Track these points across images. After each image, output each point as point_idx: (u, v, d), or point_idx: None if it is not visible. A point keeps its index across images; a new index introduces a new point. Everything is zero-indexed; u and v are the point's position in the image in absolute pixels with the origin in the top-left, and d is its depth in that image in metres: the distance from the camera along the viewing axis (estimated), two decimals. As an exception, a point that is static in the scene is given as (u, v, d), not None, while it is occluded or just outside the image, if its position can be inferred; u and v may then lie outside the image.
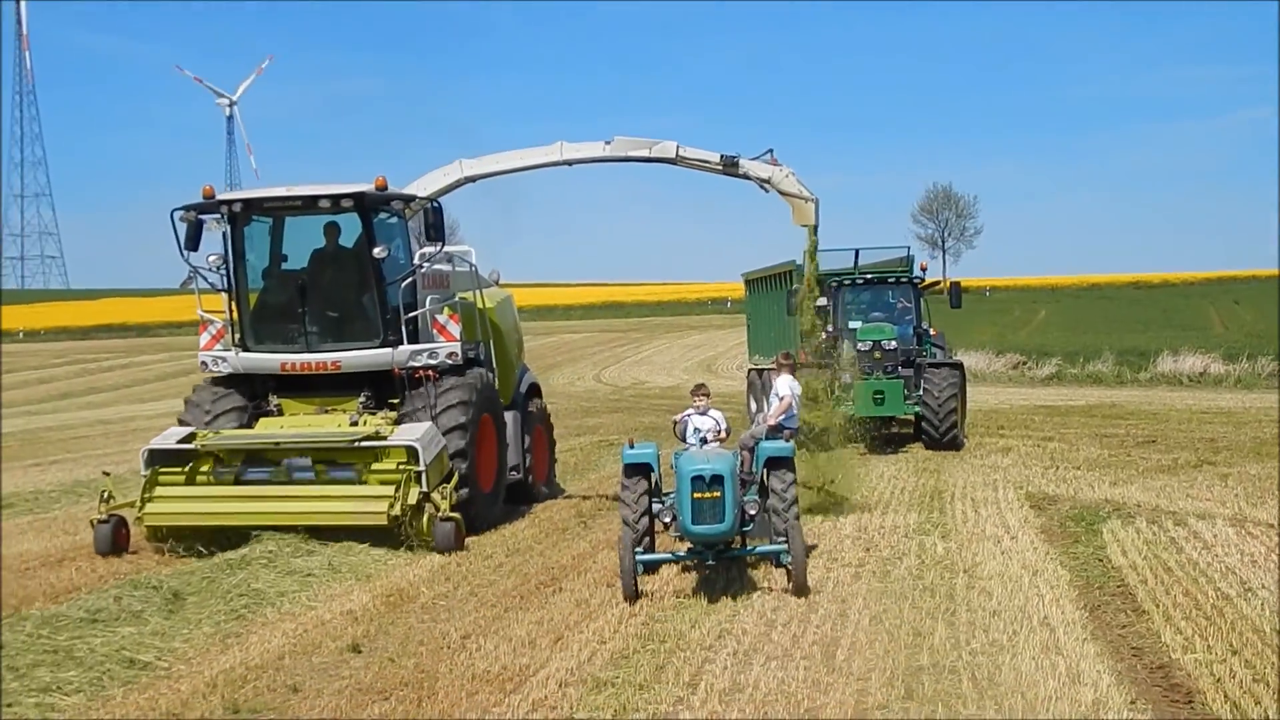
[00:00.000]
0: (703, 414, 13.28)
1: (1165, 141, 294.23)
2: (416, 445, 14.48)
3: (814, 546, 13.80)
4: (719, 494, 11.64)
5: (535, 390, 19.88)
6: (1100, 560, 13.10)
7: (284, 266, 16.53)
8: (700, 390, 13.62)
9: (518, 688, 9.06)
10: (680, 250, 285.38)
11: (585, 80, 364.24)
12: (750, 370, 28.61)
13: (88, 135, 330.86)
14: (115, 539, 14.57)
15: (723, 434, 13.18)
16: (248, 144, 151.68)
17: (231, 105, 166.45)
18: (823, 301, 24.47)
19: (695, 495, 11.66)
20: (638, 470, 12.75)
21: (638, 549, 12.02)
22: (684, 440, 13.21)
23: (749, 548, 12.48)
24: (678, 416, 13.58)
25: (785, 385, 14.72)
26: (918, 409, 23.82)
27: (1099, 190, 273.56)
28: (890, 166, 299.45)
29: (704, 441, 13.03)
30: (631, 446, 12.89)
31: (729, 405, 32.43)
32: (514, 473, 17.88)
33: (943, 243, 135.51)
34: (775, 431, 14.19)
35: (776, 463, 12.90)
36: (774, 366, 15.62)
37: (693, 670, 9.39)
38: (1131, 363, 45.17)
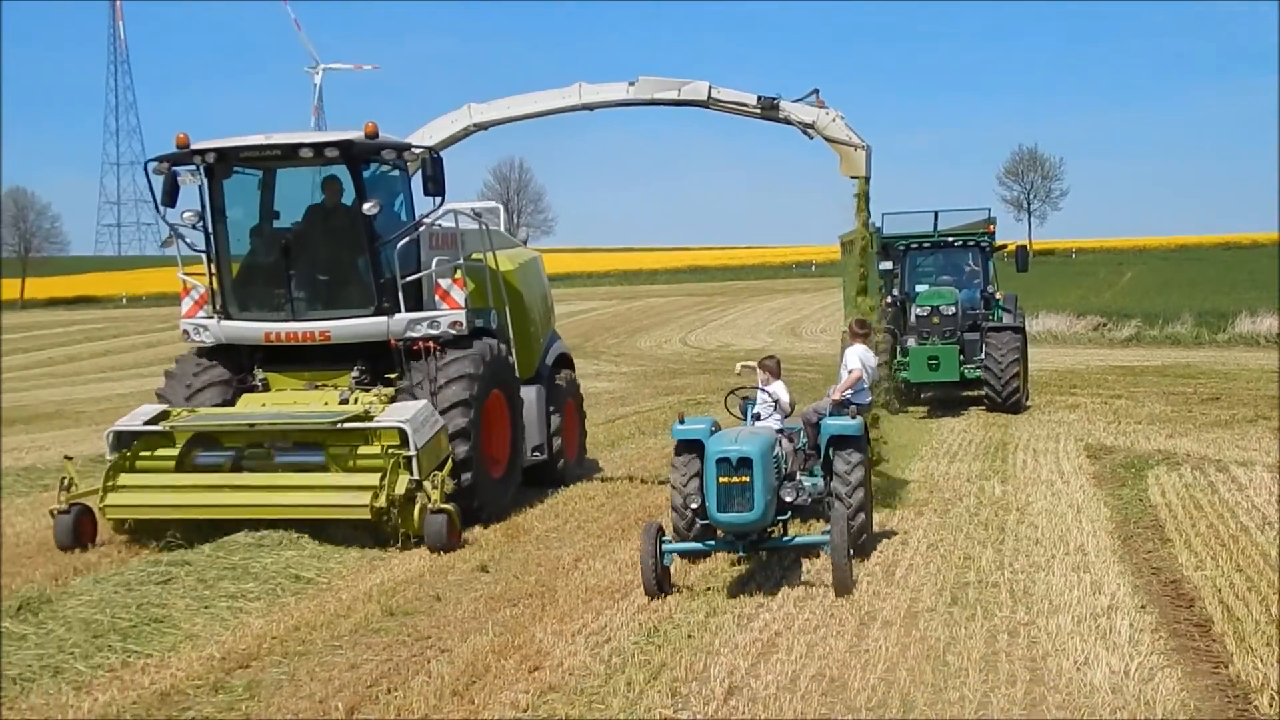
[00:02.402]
0: (763, 388, 12.42)
1: (1260, 95, 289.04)
2: (406, 427, 13.02)
3: (888, 535, 12.94)
4: (747, 478, 10.59)
5: (565, 361, 18.29)
6: (1141, 500, 14.56)
7: (276, 225, 15.02)
8: (764, 364, 12.71)
9: (624, 596, 10.79)
10: (765, 214, 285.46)
11: (660, 36, 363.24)
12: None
13: (181, 103, 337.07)
14: (78, 531, 13.29)
15: (783, 410, 12.34)
16: (357, 64, 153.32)
17: (319, 73, 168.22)
18: (887, 265, 25.43)
19: (720, 479, 10.65)
20: (689, 448, 11.67)
21: (665, 538, 10.90)
22: (744, 417, 12.25)
23: (787, 538, 11.58)
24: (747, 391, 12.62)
25: (855, 357, 13.39)
26: (979, 373, 24.28)
27: (1191, 148, 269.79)
28: (979, 125, 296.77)
29: (757, 418, 12.18)
30: (682, 421, 11.86)
31: (812, 367, 34.03)
32: (536, 453, 16.40)
33: (1028, 205, 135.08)
34: (842, 407, 12.79)
35: (841, 441, 12.04)
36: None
37: (774, 581, 11.11)
38: (1210, 323, 45.94)
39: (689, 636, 9.50)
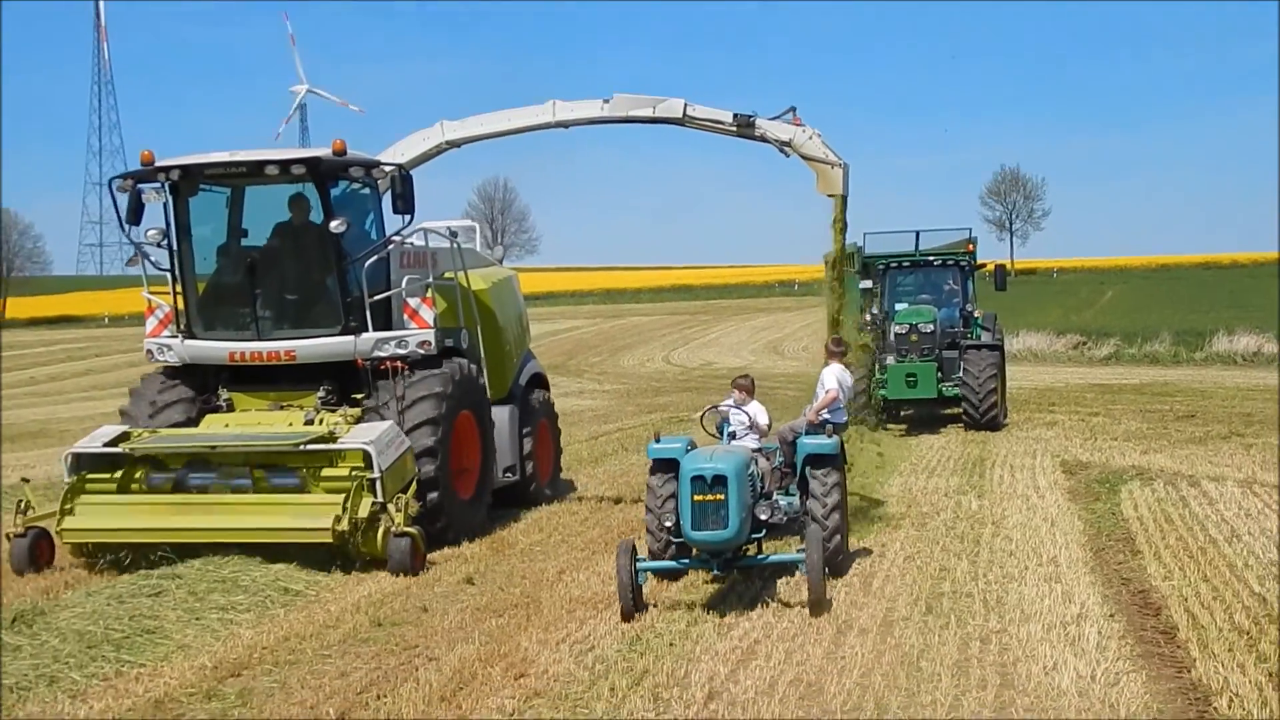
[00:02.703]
0: (739, 409, 12.50)
1: (1239, 118, 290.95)
2: (370, 448, 12.84)
3: (866, 548, 13.25)
4: (721, 496, 10.62)
5: (540, 381, 18.16)
6: (1114, 514, 14.88)
7: (244, 243, 14.92)
8: (737, 383, 12.78)
9: (608, 607, 11.00)
10: (747, 233, 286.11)
11: (659, 58, 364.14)
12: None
13: (165, 123, 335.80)
14: (34, 555, 13.13)
15: (759, 431, 12.48)
16: (342, 100, 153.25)
17: (308, 92, 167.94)
18: (867, 284, 25.72)
19: (695, 497, 10.66)
20: (665, 466, 11.64)
21: (639, 557, 10.88)
22: (721, 436, 12.37)
23: (762, 556, 11.53)
24: (722, 405, 12.74)
25: (832, 376, 13.24)
26: (957, 390, 24.55)
27: (1171, 169, 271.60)
28: (960, 147, 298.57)
29: (733, 436, 12.28)
30: (658, 440, 11.88)
31: (794, 385, 34.32)
32: (509, 474, 16.28)
33: (1010, 225, 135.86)
34: (819, 426, 12.76)
35: (818, 461, 12.07)
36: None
37: (752, 593, 11.38)
38: (1188, 342, 46.43)
39: (670, 644, 9.75)
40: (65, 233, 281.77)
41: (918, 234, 27.28)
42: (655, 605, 11.07)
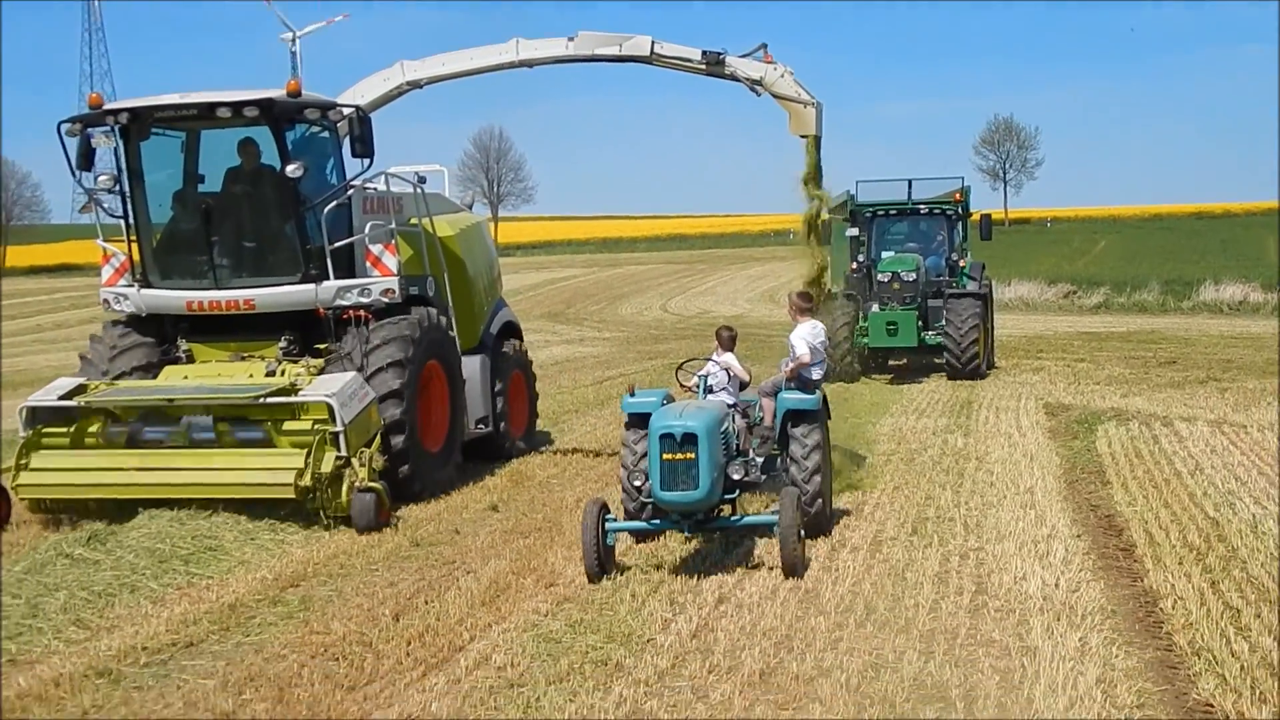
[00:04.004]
0: (716, 361, 11.89)
1: (1231, 66, 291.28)
2: (332, 401, 12.48)
3: (857, 481, 13.86)
4: (691, 455, 10.09)
5: (512, 330, 17.75)
6: (1089, 450, 16.03)
7: (201, 189, 14.47)
8: (718, 334, 12.27)
9: (624, 530, 12.12)
10: (743, 182, 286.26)
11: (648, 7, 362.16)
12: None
13: (157, 73, 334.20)
14: None
15: (739, 383, 11.93)
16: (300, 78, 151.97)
17: (295, 40, 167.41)
18: (854, 232, 26.13)
19: (664, 456, 10.15)
20: (640, 422, 11.11)
21: (609, 516, 10.52)
22: (699, 391, 11.58)
23: (736, 518, 10.92)
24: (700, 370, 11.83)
25: (800, 339, 12.25)
26: (940, 339, 24.78)
27: (1165, 118, 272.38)
28: (954, 94, 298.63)
29: (710, 391, 11.65)
30: (633, 394, 11.48)
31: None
32: (481, 425, 16.03)
33: (1004, 174, 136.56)
34: (801, 381, 12.14)
35: (798, 417, 11.61)
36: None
37: (754, 518, 12.48)
38: (1176, 291, 47.42)
39: (682, 559, 10.90)
40: (60, 181, 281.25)
41: (910, 183, 27.23)
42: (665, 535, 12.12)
